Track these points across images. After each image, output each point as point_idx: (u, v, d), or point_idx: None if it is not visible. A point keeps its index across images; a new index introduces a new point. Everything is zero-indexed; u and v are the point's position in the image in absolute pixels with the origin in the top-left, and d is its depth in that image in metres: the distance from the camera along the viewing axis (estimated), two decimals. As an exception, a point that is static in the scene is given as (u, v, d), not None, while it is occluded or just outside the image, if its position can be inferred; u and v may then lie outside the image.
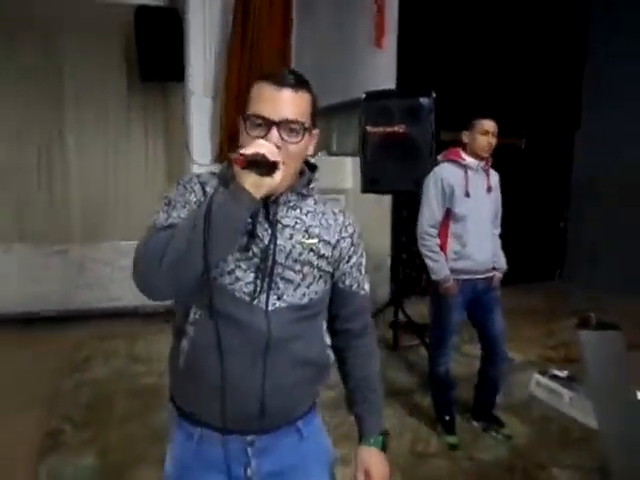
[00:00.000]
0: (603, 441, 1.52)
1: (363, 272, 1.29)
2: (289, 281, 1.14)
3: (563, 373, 3.35)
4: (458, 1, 5.27)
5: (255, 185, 1.02)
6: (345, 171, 4.85)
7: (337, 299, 1.27)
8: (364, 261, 1.29)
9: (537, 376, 3.38)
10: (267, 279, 1.12)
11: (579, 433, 2.90)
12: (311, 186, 1.20)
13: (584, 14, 6.16)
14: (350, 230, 1.24)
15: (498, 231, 2.88)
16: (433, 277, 2.72)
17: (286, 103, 1.08)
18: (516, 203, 5.42)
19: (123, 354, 3.90)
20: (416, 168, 3.53)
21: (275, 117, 1.07)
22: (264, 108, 1.08)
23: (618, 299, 4.73)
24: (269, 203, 1.12)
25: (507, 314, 2.86)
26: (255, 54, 4.40)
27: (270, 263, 1.12)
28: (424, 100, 3.70)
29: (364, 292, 1.30)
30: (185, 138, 4.69)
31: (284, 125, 1.08)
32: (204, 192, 1.13)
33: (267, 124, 1.07)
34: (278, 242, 1.12)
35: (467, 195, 2.69)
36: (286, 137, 1.08)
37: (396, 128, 3.71)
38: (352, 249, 1.25)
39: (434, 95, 3.71)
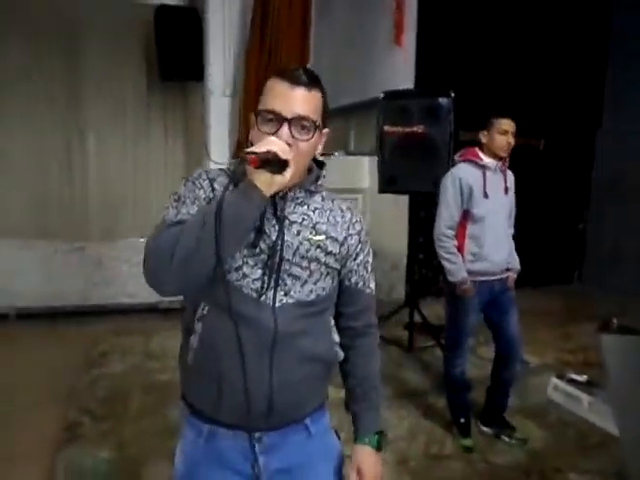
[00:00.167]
0: (623, 447, 1.49)
1: (369, 270, 1.28)
2: (296, 277, 1.14)
3: (582, 377, 3.29)
4: (477, 0, 5.22)
5: (266, 183, 1.02)
6: (362, 171, 4.80)
7: (343, 296, 1.27)
8: (371, 259, 1.29)
9: (555, 380, 3.34)
10: (274, 275, 1.12)
11: (597, 438, 2.85)
12: (319, 183, 1.20)
13: (606, 12, 6.07)
14: (358, 227, 1.24)
15: (512, 231, 2.84)
16: (450, 279, 2.69)
17: (299, 100, 1.08)
18: (534, 204, 5.39)
19: (139, 350, 3.93)
20: (434, 168, 3.52)
21: (287, 113, 1.07)
22: (276, 104, 1.08)
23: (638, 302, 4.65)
24: (277, 199, 1.12)
25: (524, 316, 2.83)
26: (274, 54, 4.41)
27: (277, 259, 1.12)
28: (443, 100, 3.69)
29: (370, 290, 1.29)
30: (204, 137, 4.71)
31: (295, 122, 1.08)
32: (213, 188, 1.13)
33: (279, 120, 1.08)
34: (285, 238, 1.12)
35: (485, 196, 2.66)
36: (297, 134, 1.08)
37: (415, 128, 3.70)
38: (359, 246, 1.24)
39: (453, 95, 3.69)
